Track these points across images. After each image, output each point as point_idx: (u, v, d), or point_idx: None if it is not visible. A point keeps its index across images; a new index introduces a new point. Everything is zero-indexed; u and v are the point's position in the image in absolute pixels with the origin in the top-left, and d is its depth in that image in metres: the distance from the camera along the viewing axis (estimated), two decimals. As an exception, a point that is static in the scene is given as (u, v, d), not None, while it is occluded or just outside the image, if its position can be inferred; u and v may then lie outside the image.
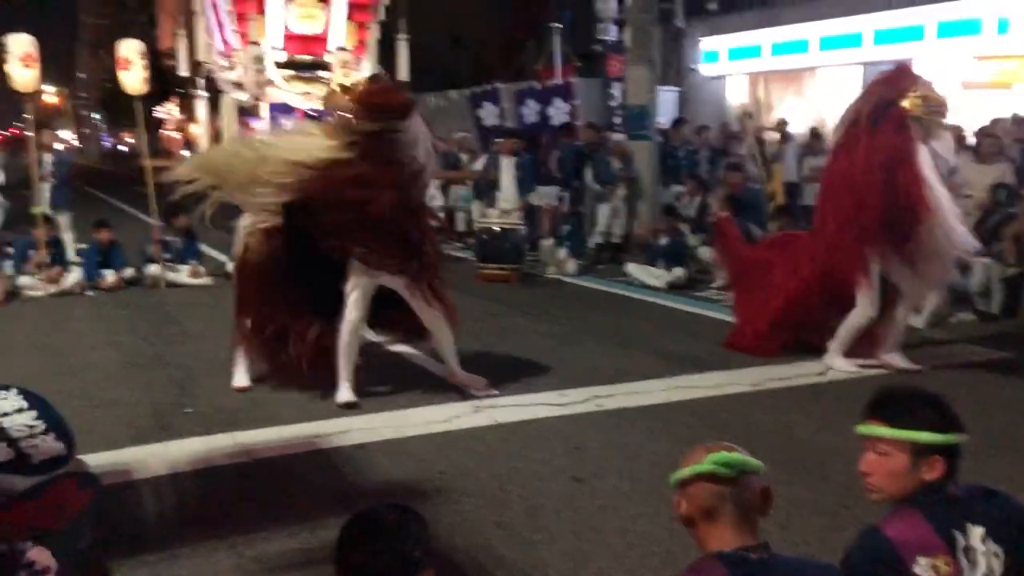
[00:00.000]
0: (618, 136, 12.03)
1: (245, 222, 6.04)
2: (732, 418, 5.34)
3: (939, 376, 6.34)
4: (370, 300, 5.57)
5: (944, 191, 6.15)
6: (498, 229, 10.46)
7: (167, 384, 6.09)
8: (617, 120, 14.25)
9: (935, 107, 6.11)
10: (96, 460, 4.15)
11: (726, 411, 5.50)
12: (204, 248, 11.00)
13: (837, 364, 6.52)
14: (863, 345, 6.60)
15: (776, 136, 12.60)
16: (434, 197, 13.72)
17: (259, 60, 10.47)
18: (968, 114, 13.31)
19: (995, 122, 10.89)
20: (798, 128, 14.13)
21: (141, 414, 5.43)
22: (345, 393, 5.51)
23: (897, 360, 6.56)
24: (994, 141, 8.89)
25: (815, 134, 12.47)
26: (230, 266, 10.00)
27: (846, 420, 5.13)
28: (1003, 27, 13.80)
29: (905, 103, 6.03)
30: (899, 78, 6.24)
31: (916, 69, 6.47)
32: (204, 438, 5.02)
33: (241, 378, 5.99)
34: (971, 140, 10.91)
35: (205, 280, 9.88)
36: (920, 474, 2.01)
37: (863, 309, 6.47)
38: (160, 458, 4.72)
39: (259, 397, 5.77)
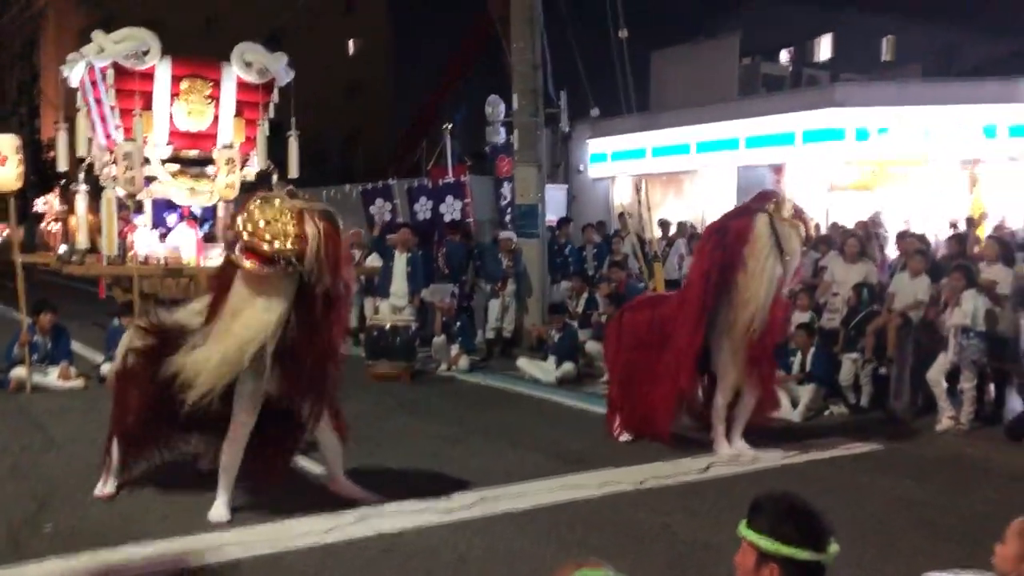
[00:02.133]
0: (506, 233, 12.26)
1: (127, 337, 5.87)
2: (616, 519, 5.36)
3: (815, 469, 6.57)
4: (260, 404, 5.37)
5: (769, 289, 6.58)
6: (388, 326, 10.38)
7: (25, 499, 5.68)
8: (508, 218, 14.55)
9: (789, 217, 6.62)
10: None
11: (611, 511, 5.51)
12: (78, 348, 10.53)
13: (723, 451, 6.79)
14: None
15: (658, 234, 13.10)
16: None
17: (128, 156, 10.30)
18: (836, 214, 14.24)
19: (857, 224, 11.66)
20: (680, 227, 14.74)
21: (-7, 534, 5.05)
22: (221, 510, 5.26)
23: (744, 448, 6.91)
24: (855, 241, 9.47)
25: (694, 234, 13.01)
26: (105, 367, 9.59)
27: (727, 519, 5.22)
28: (863, 135, 14.92)
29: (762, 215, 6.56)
30: (760, 199, 6.87)
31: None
32: (64, 559, 4.68)
33: (106, 486, 5.72)
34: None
35: (76, 383, 9.38)
36: None
37: (723, 386, 6.86)
38: (11, 583, 4.38)
39: (127, 510, 5.45)
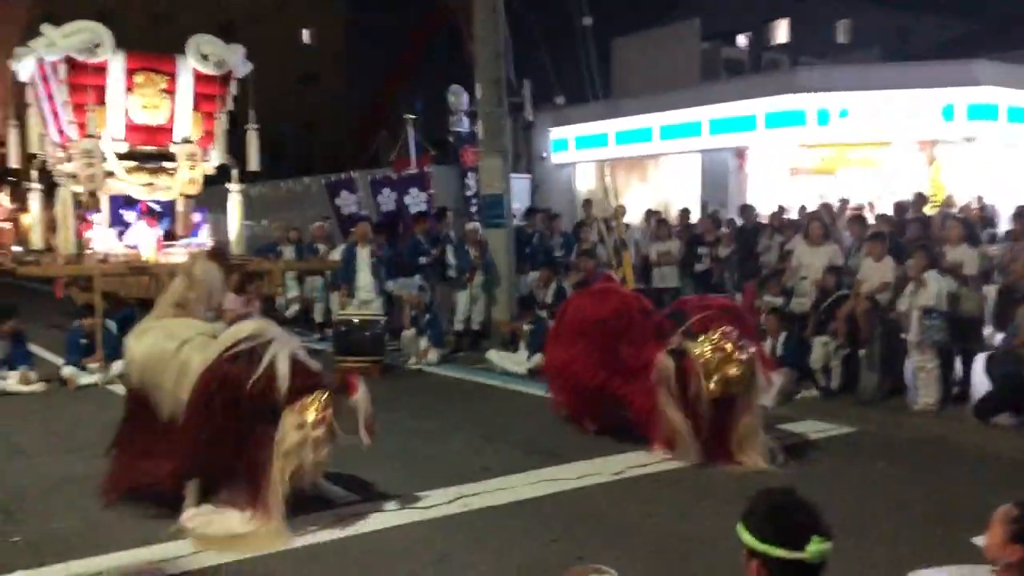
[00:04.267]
0: (472, 225, 12.16)
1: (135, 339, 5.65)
2: (597, 511, 5.34)
3: (789, 454, 6.60)
4: None
5: None
6: (357, 320, 10.26)
7: (-10, 510, 5.52)
8: (473, 208, 14.47)
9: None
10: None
11: (591, 503, 5.50)
12: (36, 350, 10.26)
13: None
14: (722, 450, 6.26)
15: (624, 222, 13.05)
16: (289, 288, 13.42)
17: (89, 153, 10.03)
18: (797, 197, 14.34)
19: (821, 206, 11.74)
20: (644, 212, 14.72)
21: (-43, 548, 4.88)
22: (191, 514, 5.08)
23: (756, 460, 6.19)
24: (820, 224, 9.54)
25: (660, 219, 13.02)
26: (66, 371, 9.36)
27: (706, 507, 5.22)
28: (824, 118, 15.04)
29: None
30: None
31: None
32: (33, 571, 4.54)
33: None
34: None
35: (37, 387, 9.10)
36: (749, 573, 2.15)
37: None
38: (-21, 599, 4.24)
39: (98, 518, 5.29)
